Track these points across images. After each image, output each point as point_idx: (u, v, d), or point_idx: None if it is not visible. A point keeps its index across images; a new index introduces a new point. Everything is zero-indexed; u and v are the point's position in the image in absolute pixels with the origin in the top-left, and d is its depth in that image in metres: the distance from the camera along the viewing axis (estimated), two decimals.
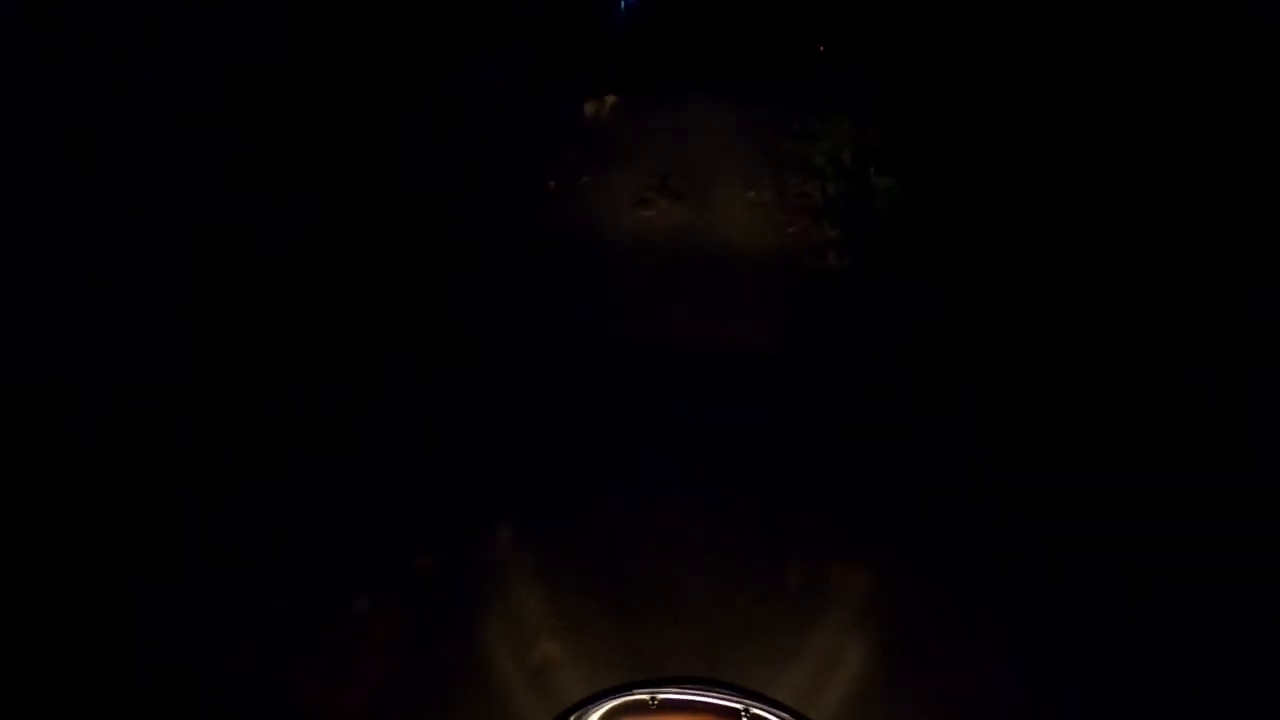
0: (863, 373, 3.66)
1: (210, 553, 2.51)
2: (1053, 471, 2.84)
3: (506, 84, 8.39)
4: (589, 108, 8.76)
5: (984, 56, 5.95)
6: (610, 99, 8.68)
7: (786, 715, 0.60)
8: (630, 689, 0.62)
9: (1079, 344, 3.66)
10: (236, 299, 3.94)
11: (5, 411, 2.96)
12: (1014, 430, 3.12)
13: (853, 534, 2.55)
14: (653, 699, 0.61)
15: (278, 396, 3.32)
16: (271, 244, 4.41)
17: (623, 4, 15.22)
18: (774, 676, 1.95)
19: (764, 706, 0.60)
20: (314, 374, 3.52)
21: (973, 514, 2.66)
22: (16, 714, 1.98)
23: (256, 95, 5.30)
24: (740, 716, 0.60)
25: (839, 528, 2.58)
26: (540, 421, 3.23)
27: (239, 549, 2.51)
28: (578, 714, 0.61)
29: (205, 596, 2.32)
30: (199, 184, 4.68)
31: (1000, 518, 2.64)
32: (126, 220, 4.24)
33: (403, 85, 6.83)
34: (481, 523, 2.60)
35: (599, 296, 4.50)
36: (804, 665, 2.03)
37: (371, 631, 2.24)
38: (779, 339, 4.04)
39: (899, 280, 4.56)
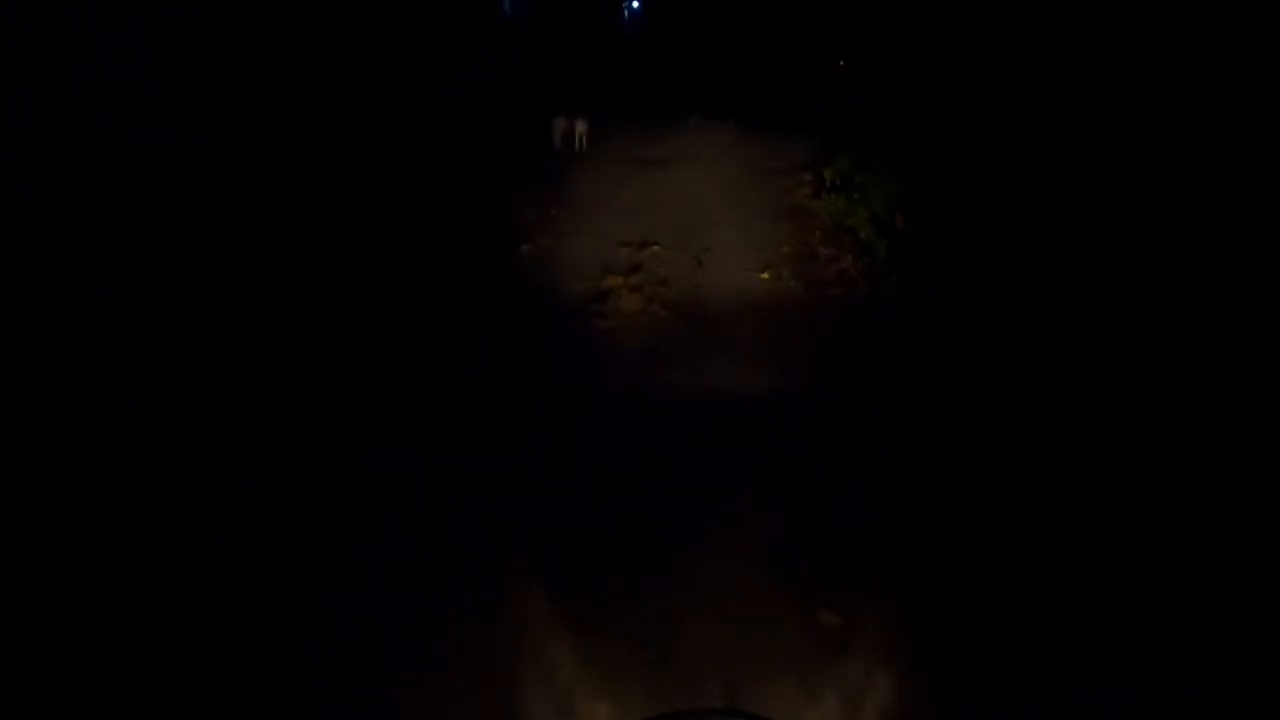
0: None
1: (210, 553, 2.51)
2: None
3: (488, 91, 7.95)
4: (560, 127, 6.99)
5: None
6: (582, 126, 6.93)
7: None
8: None
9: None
10: (236, 296, 3.94)
11: (5, 411, 2.96)
12: None
13: None
14: None
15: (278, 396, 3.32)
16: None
17: (626, 13, 15.25)
18: None
19: None
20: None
21: None
22: (16, 714, 1.98)
23: (256, 96, 5.30)
24: None
25: None
26: None
27: (239, 549, 2.51)
28: None
29: (205, 596, 2.32)
30: (199, 183, 4.69)
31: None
32: (127, 220, 4.25)
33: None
34: None
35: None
36: None
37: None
38: None
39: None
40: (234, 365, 3.48)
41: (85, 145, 4.38)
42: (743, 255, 4.51)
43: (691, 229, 4.87)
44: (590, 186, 5.78)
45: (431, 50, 8.51)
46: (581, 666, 2.07)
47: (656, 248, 4.60)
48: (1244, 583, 2.30)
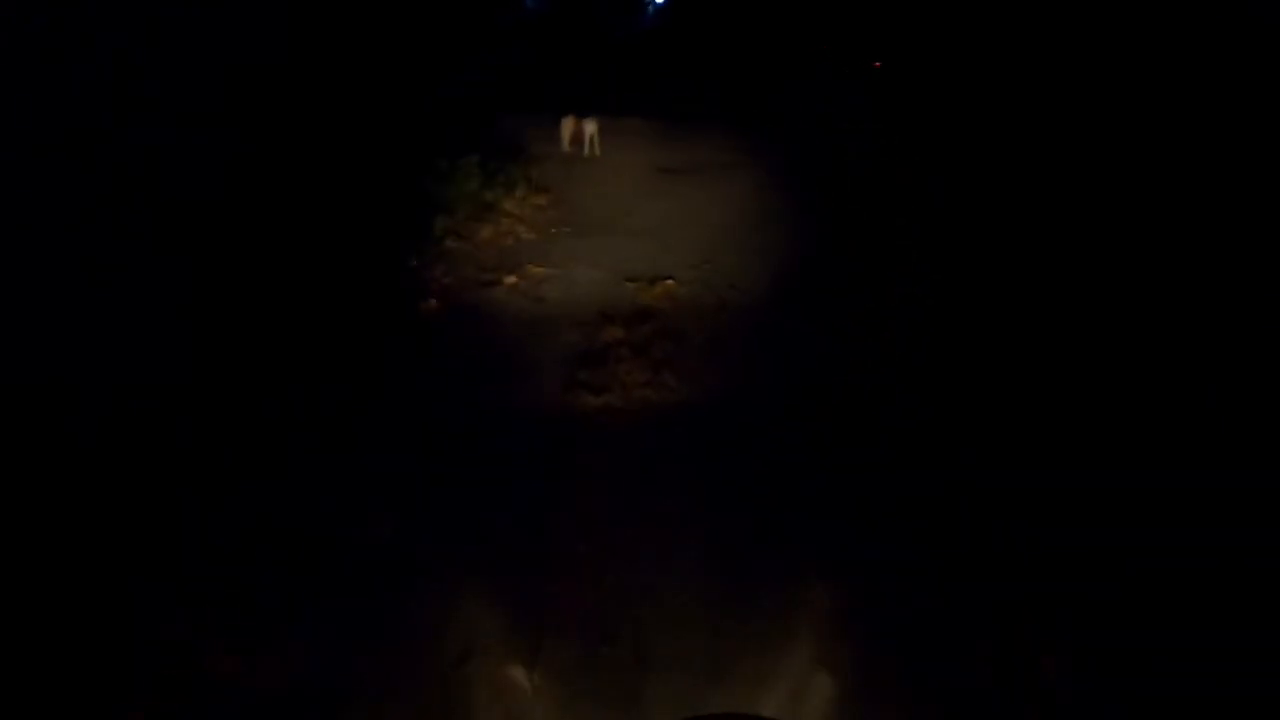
0: None
1: (210, 553, 2.50)
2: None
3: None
4: (569, 128, 6.55)
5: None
6: (592, 127, 6.49)
7: None
8: None
9: None
10: (237, 296, 3.93)
11: (5, 411, 2.96)
12: None
13: None
14: None
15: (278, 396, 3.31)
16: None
17: (650, 7, 15.18)
18: None
19: None
20: None
21: None
22: (17, 712, 1.97)
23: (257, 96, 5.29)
24: None
25: None
26: None
27: (239, 549, 2.51)
28: None
29: (205, 596, 2.32)
30: (199, 183, 4.68)
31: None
32: (127, 220, 4.24)
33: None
34: None
35: None
36: None
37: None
38: None
39: None
40: (234, 365, 3.48)
41: (85, 145, 4.38)
42: (776, 290, 3.63)
43: (714, 257, 4.07)
44: (597, 198, 5.12)
45: (431, 50, 8.50)
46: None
47: (670, 282, 3.78)
48: (1243, 582, 2.30)
